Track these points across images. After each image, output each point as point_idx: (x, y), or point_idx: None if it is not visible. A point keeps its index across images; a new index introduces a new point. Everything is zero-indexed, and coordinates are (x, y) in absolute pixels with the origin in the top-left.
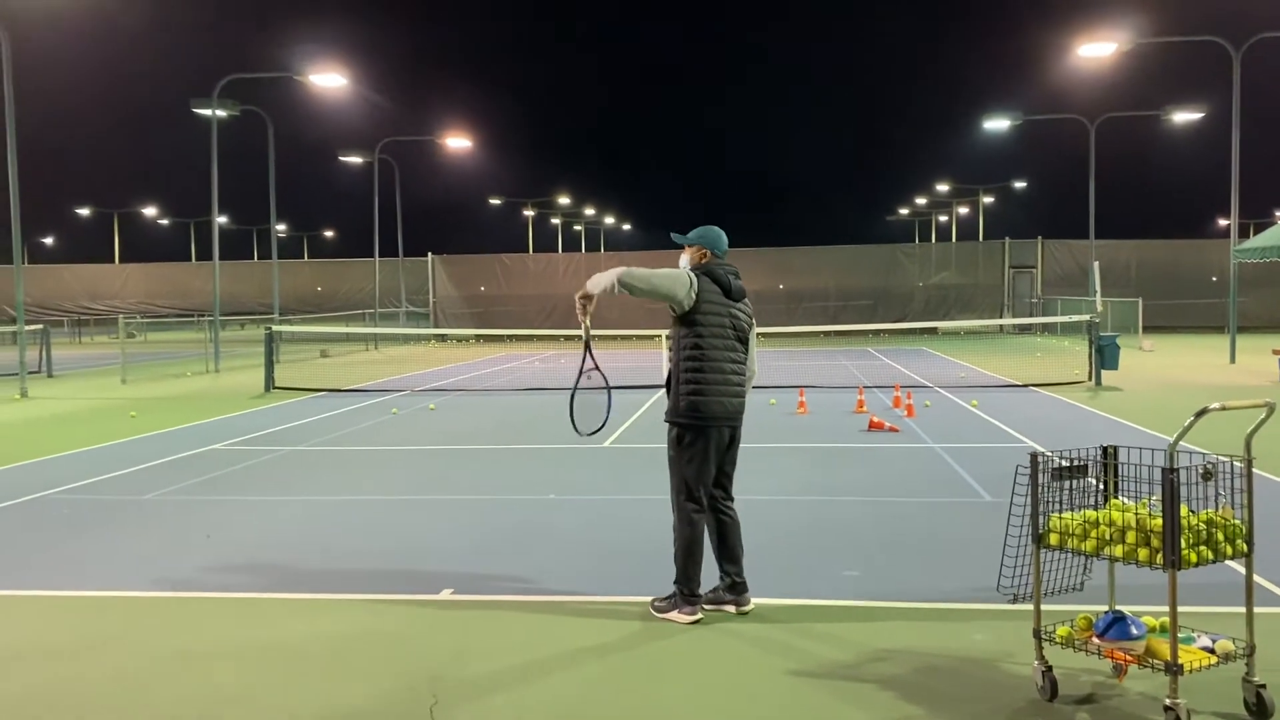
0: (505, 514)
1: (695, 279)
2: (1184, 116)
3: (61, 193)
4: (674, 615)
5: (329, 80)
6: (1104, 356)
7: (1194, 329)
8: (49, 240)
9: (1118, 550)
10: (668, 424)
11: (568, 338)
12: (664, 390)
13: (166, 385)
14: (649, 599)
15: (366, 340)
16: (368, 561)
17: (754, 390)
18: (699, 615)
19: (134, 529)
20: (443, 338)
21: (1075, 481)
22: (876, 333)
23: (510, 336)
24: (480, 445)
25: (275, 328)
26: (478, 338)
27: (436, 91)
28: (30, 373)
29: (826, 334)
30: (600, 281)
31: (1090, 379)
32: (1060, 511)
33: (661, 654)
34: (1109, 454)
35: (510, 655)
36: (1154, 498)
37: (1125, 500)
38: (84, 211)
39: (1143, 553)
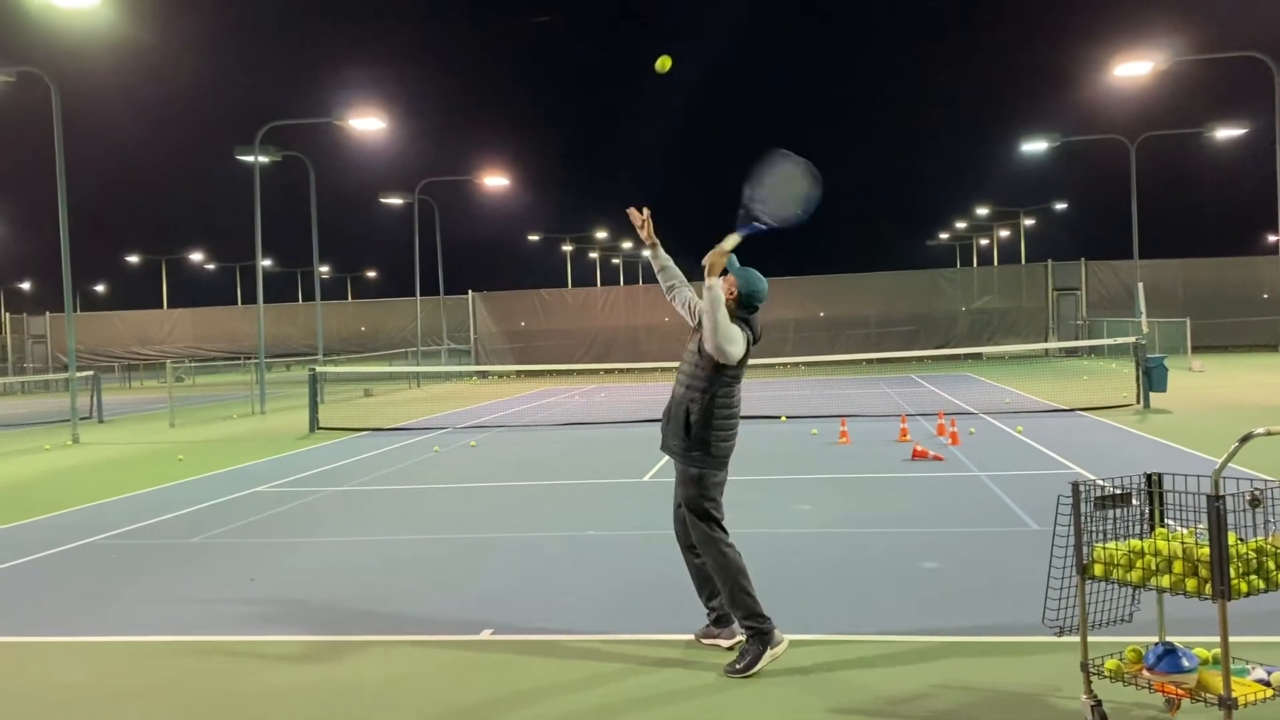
0: (545, 551)
1: (747, 334)
2: (1226, 133)
3: (111, 241)
4: (766, 658)
5: (368, 124)
6: (1152, 378)
7: (1244, 348)
8: (100, 288)
9: (1164, 581)
10: (687, 465)
11: (607, 371)
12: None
13: (214, 428)
14: (691, 636)
15: (409, 378)
16: (409, 602)
17: (795, 420)
18: (784, 640)
19: (180, 573)
20: (484, 374)
21: (1120, 510)
22: (919, 359)
23: (550, 371)
24: (520, 481)
25: (319, 368)
26: (518, 373)
27: (474, 130)
28: (81, 419)
29: (868, 361)
30: (712, 262)
31: (1138, 402)
32: (1104, 541)
33: (705, 696)
34: (1153, 481)
35: (548, 699)
36: (1201, 526)
37: (1171, 528)
38: (133, 259)
39: (1190, 583)
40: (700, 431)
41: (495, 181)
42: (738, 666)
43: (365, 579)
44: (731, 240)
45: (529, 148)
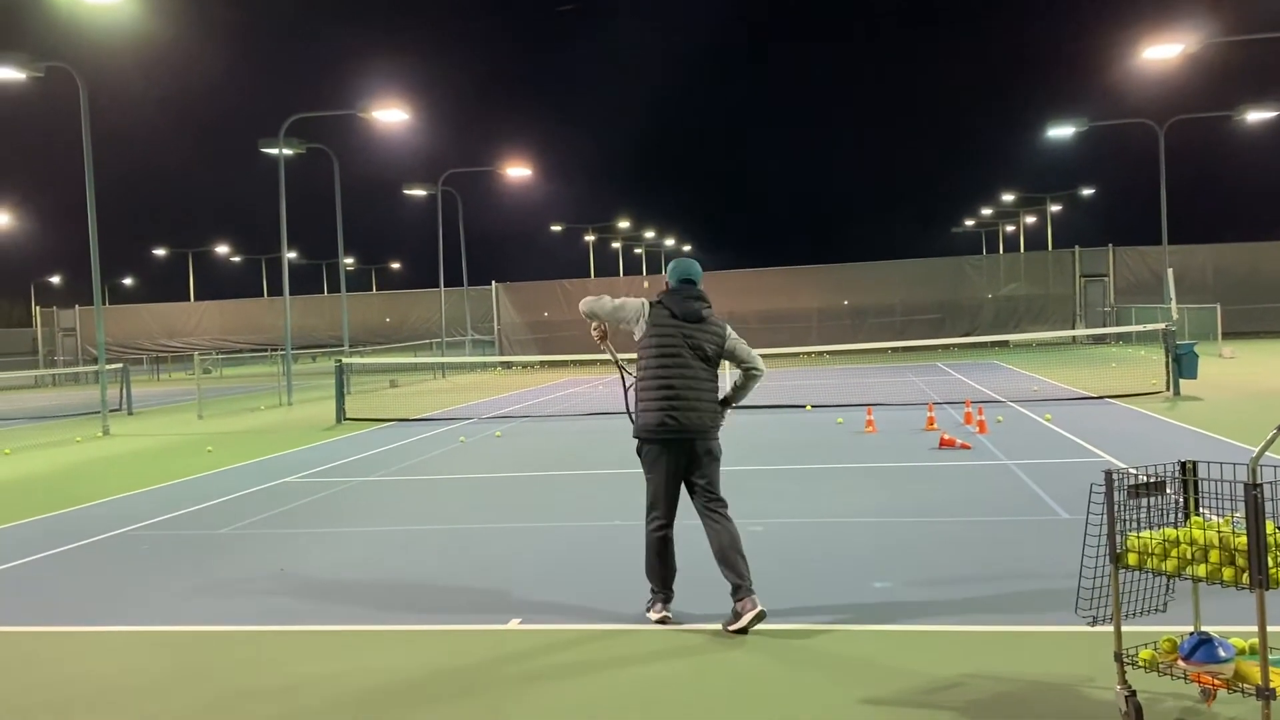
0: (571, 540)
1: (648, 308)
2: (1258, 116)
3: (138, 234)
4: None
5: (391, 115)
6: (1182, 365)
7: (1276, 334)
8: (128, 281)
9: (1200, 570)
10: (716, 443)
11: (631, 361)
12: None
13: (241, 420)
14: (718, 626)
15: (434, 369)
16: (437, 591)
17: (820, 409)
18: (655, 617)
19: (210, 563)
20: (508, 365)
21: (1153, 499)
22: (945, 347)
23: (574, 362)
24: (545, 471)
25: (345, 360)
26: (542, 363)
27: (497, 121)
28: (111, 410)
29: (893, 350)
30: (581, 306)
31: (1168, 389)
32: (1138, 530)
33: (734, 684)
34: (1187, 469)
35: (576, 687)
36: (1237, 514)
37: (1207, 517)
38: (160, 252)
39: (1227, 572)
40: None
41: (518, 172)
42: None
43: (394, 569)
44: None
45: (551, 138)
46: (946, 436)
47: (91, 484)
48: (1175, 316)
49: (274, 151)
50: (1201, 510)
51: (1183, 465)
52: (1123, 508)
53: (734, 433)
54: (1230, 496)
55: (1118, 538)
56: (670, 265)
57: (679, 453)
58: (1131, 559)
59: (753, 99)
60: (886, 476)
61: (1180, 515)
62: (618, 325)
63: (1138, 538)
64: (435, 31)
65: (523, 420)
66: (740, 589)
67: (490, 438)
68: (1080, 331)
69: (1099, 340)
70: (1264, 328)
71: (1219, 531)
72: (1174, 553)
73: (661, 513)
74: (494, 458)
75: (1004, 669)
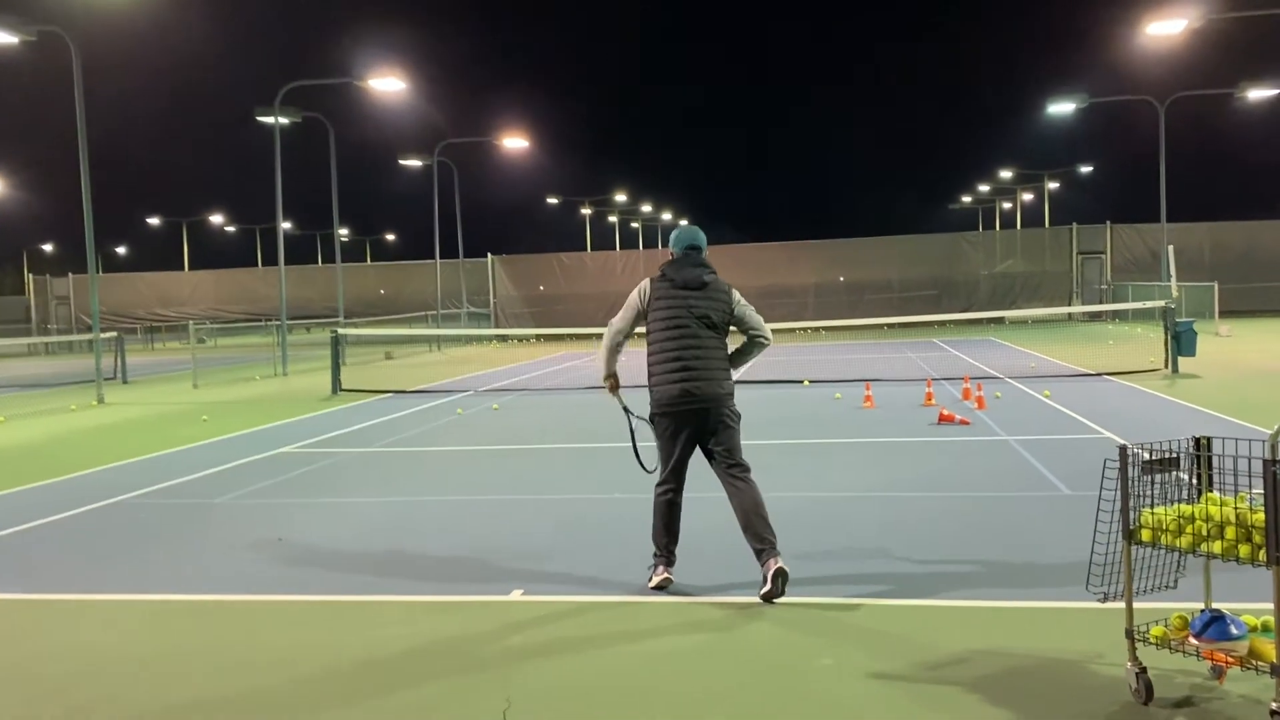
0: (572, 513)
1: (649, 285)
2: (1259, 93)
3: (133, 203)
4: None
5: (388, 85)
6: (1181, 343)
7: (1273, 313)
8: (121, 250)
9: (1215, 547)
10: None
11: (628, 336)
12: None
13: (237, 389)
14: (721, 600)
15: (429, 342)
16: (437, 563)
17: (818, 384)
18: (657, 579)
19: (206, 533)
20: (504, 338)
21: (1167, 475)
22: (942, 323)
23: (570, 335)
24: (544, 445)
25: (340, 331)
26: (538, 337)
27: (494, 93)
28: (106, 379)
29: (890, 326)
30: (599, 364)
31: (1166, 366)
32: (1152, 506)
33: (737, 656)
34: (1202, 445)
35: (581, 657)
36: (1254, 491)
37: (1221, 494)
38: (154, 221)
39: (1243, 549)
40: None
41: (515, 144)
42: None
43: (393, 539)
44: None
45: (549, 110)
46: (945, 412)
47: (86, 452)
48: (1176, 294)
49: (269, 120)
50: (1215, 488)
51: (1196, 441)
52: (1136, 484)
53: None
54: (1246, 473)
55: (1131, 514)
56: (674, 234)
57: (695, 422)
58: (1145, 535)
59: (752, 74)
60: (886, 452)
61: (1194, 492)
62: (635, 330)
63: (1151, 514)
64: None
65: (520, 394)
66: (763, 551)
67: (488, 410)
68: (1077, 309)
69: (1095, 317)
70: (1261, 306)
71: (1236, 508)
72: (1189, 529)
73: (672, 481)
74: (492, 430)
75: (1012, 645)
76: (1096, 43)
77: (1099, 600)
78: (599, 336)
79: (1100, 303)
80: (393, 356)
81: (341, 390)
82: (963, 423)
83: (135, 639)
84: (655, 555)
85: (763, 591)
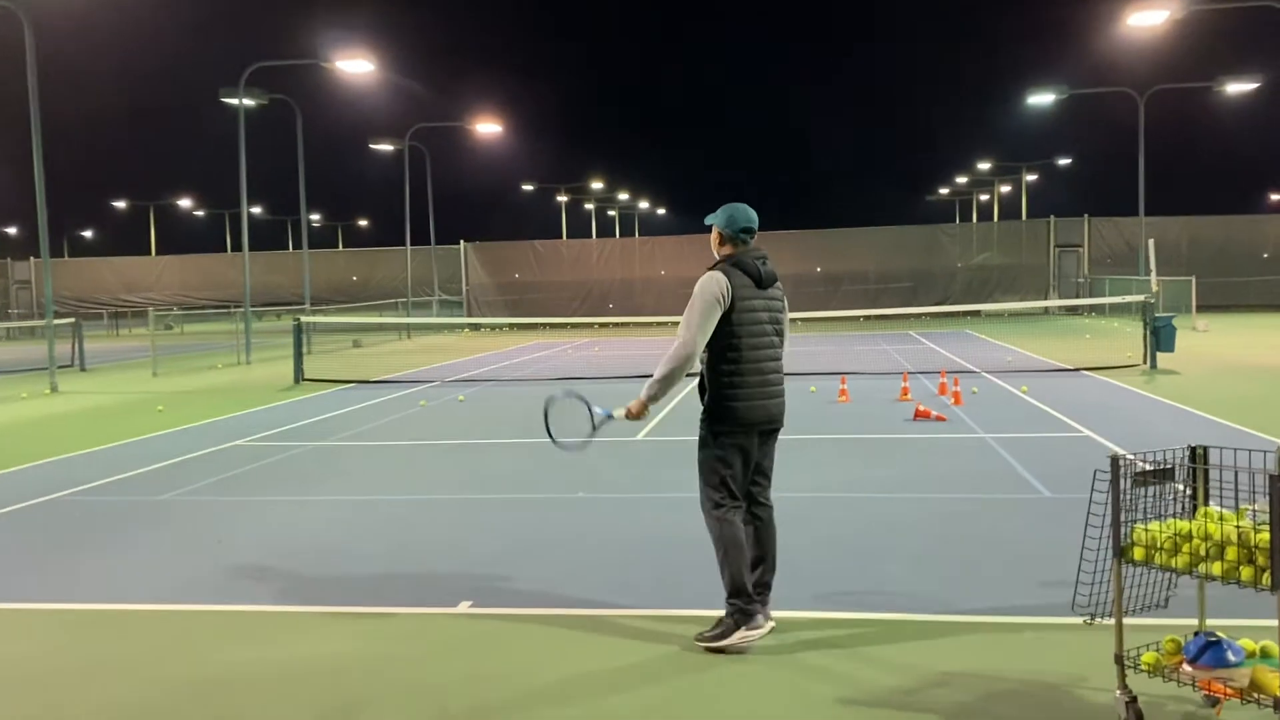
0: (531, 515)
1: (725, 281)
2: (1238, 87)
3: (100, 186)
4: (737, 639)
5: (356, 66)
6: (1160, 338)
7: (1249, 308)
8: (88, 234)
9: (1215, 568)
10: (701, 430)
11: (601, 325)
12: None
13: (197, 378)
14: (687, 612)
15: (399, 330)
16: (385, 569)
17: (791, 376)
18: (767, 625)
19: (144, 534)
20: (475, 326)
21: (1161, 487)
22: (918, 316)
23: (544, 324)
24: (508, 439)
25: (305, 319)
26: (510, 326)
27: (468, 76)
28: (62, 367)
29: (866, 318)
30: (655, 394)
31: (1145, 362)
32: (1145, 521)
33: (697, 679)
34: (1198, 456)
35: (530, 679)
36: (1255, 506)
37: (1217, 509)
38: (120, 205)
39: (1245, 571)
40: (713, 391)
41: (488, 128)
42: (706, 634)
43: (339, 543)
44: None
45: (525, 95)
46: (922, 408)
47: (31, 444)
48: (1156, 289)
49: (235, 102)
50: (1210, 501)
51: (1192, 451)
52: (1128, 497)
53: (695, 400)
54: (1249, 488)
55: (1122, 529)
56: (725, 212)
57: (762, 445)
58: (1138, 553)
59: (730, 63)
60: (861, 449)
61: (1188, 506)
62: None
63: (1145, 530)
64: None
65: (488, 384)
66: (767, 594)
67: (453, 402)
68: (1054, 302)
69: (1072, 311)
70: (1237, 301)
71: (1237, 526)
72: (1185, 548)
73: (741, 500)
74: (455, 423)
75: (993, 666)
76: (1076, 35)
77: (1085, 622)
78: (575, 326)
79: (1077, 296)
80: (361, 344)
81: (304, 380)
82: (939, 419)
83: (55, 652)
84: (744, 601)
85: (755, 635)
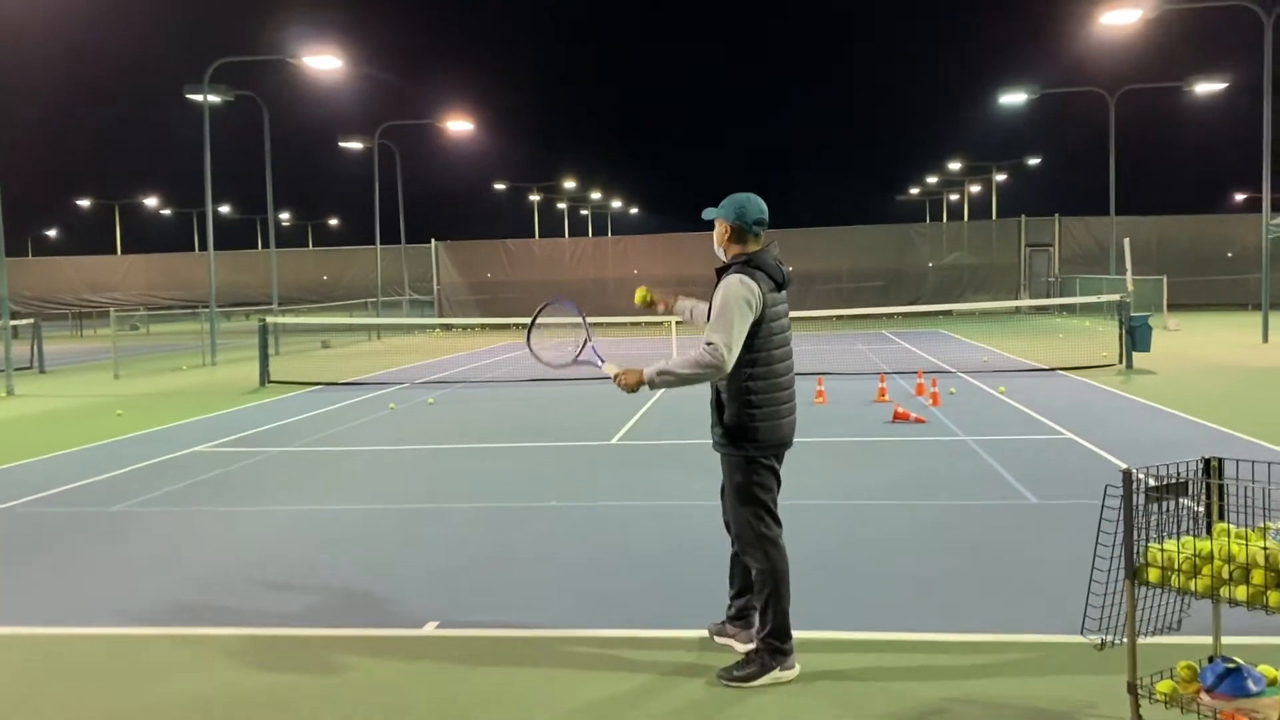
0: (501, 524)
1: (755, 285)
2: (1207, 88)
3: (65, 185)
4: (769, 680)
5: (323, 62)
6: (1135, 338)
7: (1218, 306)
8: (52, 233)
9: (1240, 592)
10: (728, 454)
11: (574, 325)
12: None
13: (160, 380)
14: (670, 633)
15: (369, 330)
16: (346, 586)
17: None
18: (796, 668)
19: (93, 549)
20: (447, 326)
21: (1170, 503)
22: (890, 315)
23: (516, 325)
24: (478, 444)
25: (272, 319)
26: (482, 326)
27: (438, 74)
28: (20, 369)
29: (839, 318)
30: (651, 384)
31: (1121, 362)
32: (1159, 540)
33: (679, 707)
34: (1213, 469)
35: (501, 708)
36: (1278, 525)
37: (1233, 525)
38: (85, 203)
39: (1274, 596)
40: (739, 411)
41: (459, 126)
42: (735, 674)
43: (299, 558)
44: (622, 373)
45: (496, 93)
46: (900, 410)
47: None
48: (1131, 288)
49: (199, 98)
50: (1225, 517)
51: (1206, 464)
52: (1141, 514)
53: (671, 400)
54: (1263, 505)
55: (1135, 549)
56: (734, 204)
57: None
58: (1152, 575)
59: (700, 61)
60: (839, 453)
61: (1201, 523)
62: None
63: (1160, 550)
64: None
65: (459, 386)
66: (749, 618)
67: (422, 405)
68: (1026, 302)
69: (1042, 310)
70: (1204, 300)
71: (1265, 548)
72: (1205, 570)
73: (781, 524)
74: (424, 427)
75: (993, 691)
76: (1047, 35)
77: (1095, 648)
78: (547, 326)
79: (1048, 295)
80: (329, 345)
81: (270, 382)
82: (918, 421)
83: None
84: (782, 641)
85: (742, 648)
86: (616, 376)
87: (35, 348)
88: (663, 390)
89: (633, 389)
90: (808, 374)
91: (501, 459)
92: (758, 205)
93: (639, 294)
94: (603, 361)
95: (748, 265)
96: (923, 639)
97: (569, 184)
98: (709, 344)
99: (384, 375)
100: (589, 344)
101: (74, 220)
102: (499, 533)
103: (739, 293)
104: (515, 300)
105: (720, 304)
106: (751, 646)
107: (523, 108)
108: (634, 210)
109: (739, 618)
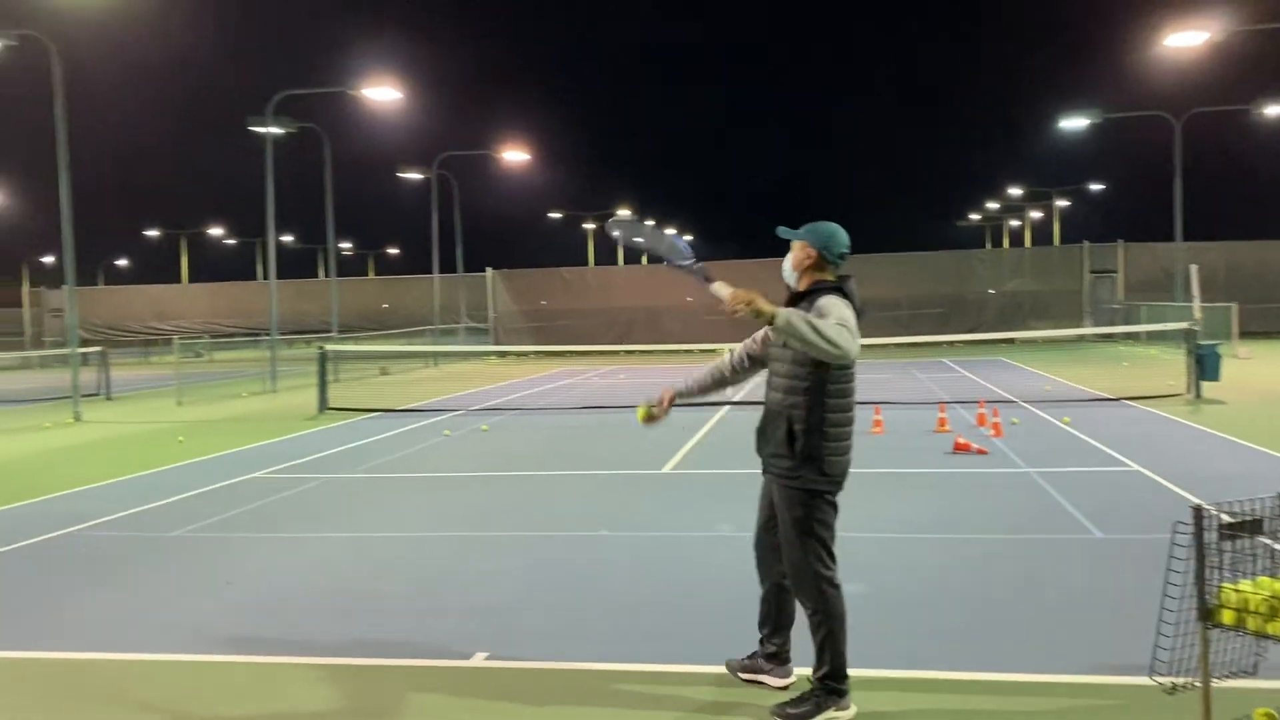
0: (552, 553)
1: (849, 307)
2: (1277, 110)
3: (134, 215)
4: (824, 717)
5: (383, 94)
6: (1204, 367)
7: None
8: (122, 262)
9: None
10: (792, 487)
11: (628, 352)
12: (760, 432)
13: (222, 407)
14: (722, 670)
15: (426, 358)
16: (397, 615)
17: None
18: (853, 708)
19: (152, 574)
20: (502, 354)
21: (1245, 541)
22: (951, 343)
23: (570, 352)
24: (531, 471)
25: (331, 346)
26: (537, 353)
27: (495, 104)
28: (89, 395)
29: (898, 345)
30: (786, 321)
31: (1189, 391)
32: (1234, 580)
33: None
34: None
35: None
36: None
37: None
38: (153, 233)
39: None
40: (810, 442)
41: (515, 156)
42: (790, 711)
43: (351, 585)
44: (731, 291)
45: (551, 123)
46: (961, 440)
47: (48, 476)
48: (1198, 315)
49: (262, 130)
50: None
51: None
52: (1213, 552)
53: (725, 430)
54: None
55: (1207, 589)
56: (824, 231)
57: None
58: (1227, 617)
59: (755, 87)
60: (898, 484)
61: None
62: (815, 353)
63: (1234, 590)
64: (431, 9)
65: (513, 413)
66: (784, 655)
67: (476, 431)
68: (1090, 330)
69: (1106, 338)
70: (1276, 327)
71: None
72: None
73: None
74: (477, 454)
75: None
76: (1109, 57)
77: (1166, 691)
78: (601, 353)
79: (1112, 322)
80: (388, 372)
81: (329, 409)
82: (980, 452)
83: (37, 708)
84: (839, 682)
85: (788, 680)
86: (733, 294)
87: (102, 375)
88: (723, 413)
89: (747, 308)
90: (865, 403)
91: (553, 486)
92: (845, 238)
93: (640, 415)
94: (710, 281)
95: (839, 292)
96: (985, 678)
97: (623, 212)
98: (837, 334)
99: (440, 402)
100: (701, 266)
101: (143, 250)
102: (550, 562)
103: (841, 311)
104: (569, 328)
105: (829, 315)
106: (786, 682)
107: (578, 136)
108: (689, 237)
109: (774, 656)
